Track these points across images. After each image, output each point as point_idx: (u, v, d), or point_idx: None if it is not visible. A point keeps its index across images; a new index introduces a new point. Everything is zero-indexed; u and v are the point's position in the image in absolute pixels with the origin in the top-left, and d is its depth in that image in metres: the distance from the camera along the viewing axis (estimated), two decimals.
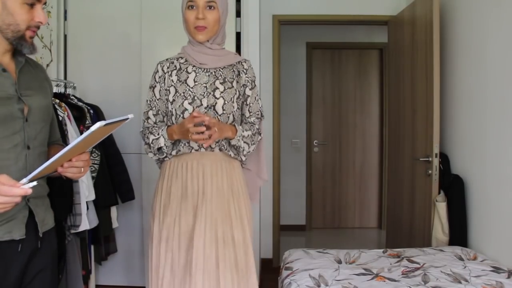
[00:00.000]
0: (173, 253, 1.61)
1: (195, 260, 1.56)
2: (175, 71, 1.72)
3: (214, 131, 1.51)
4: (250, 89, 1.75)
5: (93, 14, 3.12)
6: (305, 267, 2.03)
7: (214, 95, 1.65)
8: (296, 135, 4.96)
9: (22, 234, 1.23)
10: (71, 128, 2.34)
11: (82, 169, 1.24)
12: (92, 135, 1.12)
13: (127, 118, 1.14)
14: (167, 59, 1.78)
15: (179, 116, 1.65)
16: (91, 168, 2.51)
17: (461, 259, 2.16)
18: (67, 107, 2.41)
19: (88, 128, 2.57)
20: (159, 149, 1.68)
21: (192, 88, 1.67)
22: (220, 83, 1.68)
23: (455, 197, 2.58)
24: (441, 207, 2.60)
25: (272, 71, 3.68)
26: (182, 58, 1.75)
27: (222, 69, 1.71)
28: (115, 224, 2.82)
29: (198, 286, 1.55)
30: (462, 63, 2.67)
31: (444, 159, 2.74)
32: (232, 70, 1.73)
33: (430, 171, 2.70)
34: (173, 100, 1.67)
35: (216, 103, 1.64)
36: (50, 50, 2.96)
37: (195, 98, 1.65)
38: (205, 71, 1.70)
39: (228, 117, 1.67)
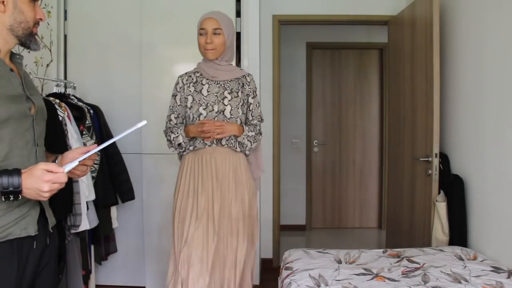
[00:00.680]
0: (191, 218, 2.05)
1: (211, 217, 2.04)
2: (192, 83, 2.13)
3: (214, 133, 1.98)
4: (252, 98, 2.18)
5: (93, 14, 3.12)
6: (305, 267, 2.03)
7: (223, 103, 2.07)
8: (296, 135, 4.96)
9: (36, 230, 1.28)
10: (71, 128, 2.34)
11: (88, 168, 1.33)
12: None
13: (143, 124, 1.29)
14: (186, 73, 2.19)
15: (196, 118, 2.07)
16: (91, 168, 2.50)
17: (461, 259, 2.16)
18: (67, 107, 2.41)
19: (88, 128, 2.58)
20: (179, 144, 2.12)
21: (206, 97, 2.08)
22: (228, 93, 2.10)
23: (455, 197, 2.58)
24: (441, 207, 2.60)
25: (272, 71, 3.69)
26: (198, 72, 2.16)
27: (229, 81, 2.13)
28: (115, 224, 2.83)
29: (210, 228, 2.03)
30: (462, 63, 2.67)
31: (444, 159, 2.74)
32: (237, 83, 2.14)
33: (430, 171, 2.70)
34: (191, 106, 2.09)
35: (224, 109, 2.07)
36: (50, 50, 2.96)
37: (208, 104, 2.07)
38: (216, 83, 2.11)
39: (236, 120, 2.09)
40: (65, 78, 3.09)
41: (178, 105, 2.17)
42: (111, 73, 3.14)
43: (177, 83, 2.17)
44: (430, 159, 2.71)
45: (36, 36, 1.33)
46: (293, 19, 3.75)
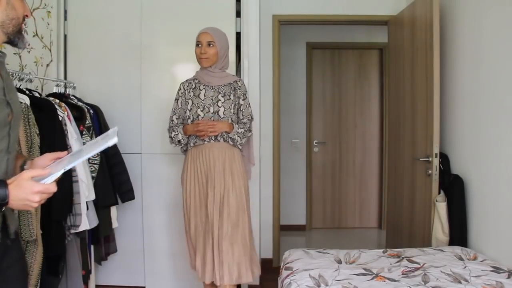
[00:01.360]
0: (196, 202, 2.46)
1: (210, 203, 2.40)
2: (191, 89, 2.49)
3: (207, 131, 2.36)
4: (242, 100, 2.51)
5: (93, 14, 3.12)
6: (305, 267, 2.03)
7: (217, 105, 2.43)
8: (296, 135, 4.96)
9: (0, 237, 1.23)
10: (71, 128, 2.34)
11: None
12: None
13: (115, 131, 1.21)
14: (186, 80, 2.55)
15: (194, 118, 2.43)
16: (91, 168, 2.51)
17: (461, 259, 2.16)
18: (67, 107, 2.41)
19: (88, 128, 2.57)
20: (179, 141, 2.50)
21: (203, 100, 2.44)
22: (222, 96, 2.44)
23: (455, 197, 2.58)
24: (441, 207, 2.60)
25: (272, 71, 3.68)
26: (196, 79, 2.51)
27: (223, 86, 2.47)
28: (115, 224, 2.82)
29: (215, 215, 2.39)
30: (462, 63, 2.66)
31: (444, 159, 2.74)
32: (230, 87, 2.48)
33: (430, 171, 2.70)
34: (190, 108, 2.45)
35: (219, 110, 2.42)
36: (50, 50, 2.96)
37: (205, 107, 2.43)
38: (211, 88, 2.45)
39: (228, 119, 2.44)
40: (65, 78, 3.08)
41: (180, 108, 2.52)
42: (111, 73, 3.14)
43: (179, 89, 2.54)
44: (430, 159, 2.71)
45: (23, 33, 1.26)
46: (293, 19, 3.75)
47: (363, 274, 1.93)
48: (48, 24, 2.93)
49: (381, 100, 5.00)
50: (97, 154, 2.54)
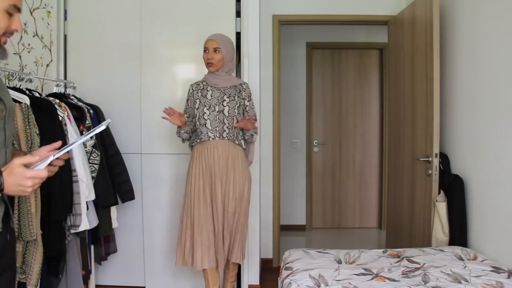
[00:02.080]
0: (199, 195, 2.61)
1: (214, 196, 2.61)
2: (199, 90, 2.69)
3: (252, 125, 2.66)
4: (247, 101, 2.72)
5: (93, 14, 3.12)
6: (305, 267, 2.03)
7: (222, 104, 2.62)
8: (296, 135, 4.96)
9: (1, 227, 1.30)
10: (71, 128, 2.34)
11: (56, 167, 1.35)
12: None
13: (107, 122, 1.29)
14: (195, 82, 2.73)
15: (201, 116, 2.62)
16: (91, 168, 2.51)
17: (461, 259, 2.16)
18: (67, 107, 2.41)
19: (88, 128, 2.57)
20: (183, 139, 2.74)
21: (209, 100, 2.63)
22: (227, 97, 2.64)
23: (455, 197, 2.58)
24: (441, 207, 2.60)
25: (272, 71, 3.68)
26: (204, 81, 2.70)
27: (228, 88, 2.66)
28: (115, 224, 2.82)
29: (219, 209, 2.60)
30: (462, 63, 2.67)
31: (444, 159, 2.74)
32: (235, 89, 2.68)
33: (430, 171, 2.71)
34: (198, 107, 2.65)
35: (223, 109, 2.62)
36: (50, 50, 2.96)
37: (211, 106, 2.62)
38: (217, 89, 2.65)
39: (232, 118, 2.62)
40: (65, 78, 3.08)
41: (190, 107, 2.72)
42: (111, 73, 3.14)
43: (189, 90, 2.73)
44: (430, 159, 2.71)
45: (4, 45, 1.29)
46: (293, 19, 3.75)
47: (363, 274, 1.93)
48: (48, 24, 2.93)
49: (381, 100, 5.00)
50: (97, 154, 2.55)
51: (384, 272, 1.96)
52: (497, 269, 1.98)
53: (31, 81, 2.38)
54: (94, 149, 2.52)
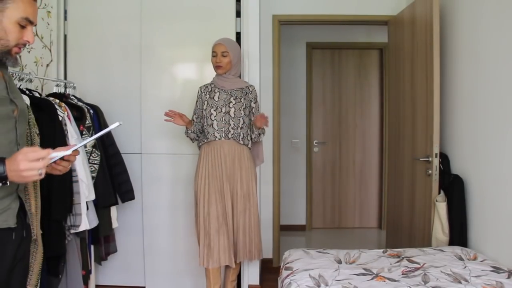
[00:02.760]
0: (205, 194, 2.69)
1: (222, 194, 2.70)
2: (208, 92, 2.80)
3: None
4: (254, 103, 2.83)
5: (93, 14, 3.12)
6: (305, 267, 2.03)
7: (229, 106, 2.73)
8: (296, 135, 4.96)
9: (15, 223, 1.36)
10: (71, 128, 2.34)
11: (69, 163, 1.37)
12: None
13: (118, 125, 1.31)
14: (204, 85, 2.84)
15: (208, 117, 2.73)
16: (91, 168, 2.50)
17: (461, 259, 2.16)
18: (67, 107, 2.41)
19: (88, 128, 2.57)
20: (192, 138, 2.85)
21: (217, 101, 2.74)
22: (233, 99, 2.75)
23: (455, 197, 2.58)
24: (441, 207, 2.60)
25: (272, 71, 3.68)
26: (212, 84, 2.81)
27: (235, 90, 2.77)
28: (115, 224, 2.82)
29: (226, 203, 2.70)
30: (462, 63, 2.67)
31: (444, 159, 2.74)
32: (241, 92, 2.79)
33: (430, 171, 2.70)
34: (205, 108, 2.76)
35: (230, 110, 2.72)
36: (50, 50, 2.96)
37: (218, 107, 2.73)
38: (224, 91, 2.75)
39: (238, 119, 2.73)
40: (65, 78, 3.08)
41: (198, 109, 2.82)
42: (111, 73, 3.14)
43: (198, 92, 2.84)
44: (430, 159, 2.71)
45: (16, 55, 1.35)
46: (293, 19, 3.75)
47: (363, 274, 1.93)
48: (48, 24, 2.93)
49: (381, 100, 5.00)
50: (97, 154, 2.55)
51: (384, 272, 1.96)
52: (497, 269, 1.98)
53: (31, 81, 2.38)
54: (94, 149, 2.52)
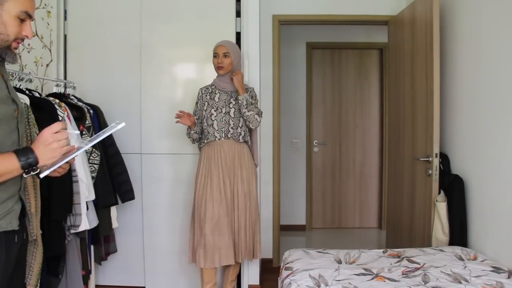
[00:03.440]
0: (205, 194, 2.70)
1: (224, 193, 2.70)
2: (208, 93, 2.82)
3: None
4: (253, 99, 2.81)
5: (93, 14, 3.12)
6: (305, 267, 2.03)
7: (229, 106, 2.76)
8: (296, 135, 4.96)
9: (18, 225, 1.37)
10: (70, 128, 2.34)
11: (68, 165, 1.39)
12: None
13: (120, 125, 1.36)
14: (205, 86, 2.87)
15: (208, 117, 2.75)
16: (91, 168, 2.50)
17: (461, 259, 2.16)
18: (67, 107, 2.41)
19: (88, 128, 2.57)
20: (194, 138, 2.86)
21: (217, 102, 2.77)
22: (233, 100, 2.78)
23: (455, 197, 2.58)
24: (441, 207, 2.60)
25: (272, 71, 3.68)
26: (213, 85, 2.84)
27: (235, 92, 2.77)
28: (115, 224, 2.82)
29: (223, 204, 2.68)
30: (462, 63, 2.66)
31: (444, 159, 2.74)
32: None
33: (430, 171, 2.70)
34: (206, 109, 2.78)
35: (230, 111, 2.75)
36: (50, 50, 2.96)
37: (218, 107, 2.76)
38: (225, 92, 2.79)
39: (238, 119, 2.75)
40: (65, 78, 3.08)
41: (199, 110, 2.84)
42: (111, 73, 3.13)
43: (199, 94, 2.87)
44: (430, 159, 2.71)
45: (15, 50, 1.34)
46: (293, 19, 3.75)
47: (363, 274, 1.93)
48: (48, 24, 2.93)
49: (381, 100, 5.00)
50: (97, 154, 2.55)
51: (384, 272, 1.96)
52: (497, 269, 1.98)
53: (31, 81, 2.38)
54: (94, 149, 2.52)
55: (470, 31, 2.57)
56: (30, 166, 1.23)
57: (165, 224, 3.15)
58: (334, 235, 4.93)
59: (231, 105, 2.76)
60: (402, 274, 1.93)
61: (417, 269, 2.00)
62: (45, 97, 2.41)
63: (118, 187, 2.81)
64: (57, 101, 2.38)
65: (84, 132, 2.52)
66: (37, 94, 2.39)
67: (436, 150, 2.68)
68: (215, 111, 2.75)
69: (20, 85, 2.30)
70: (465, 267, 2.01)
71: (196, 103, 2.87)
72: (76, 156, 1.30)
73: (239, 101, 2.70)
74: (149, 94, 3.12)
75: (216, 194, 2.67)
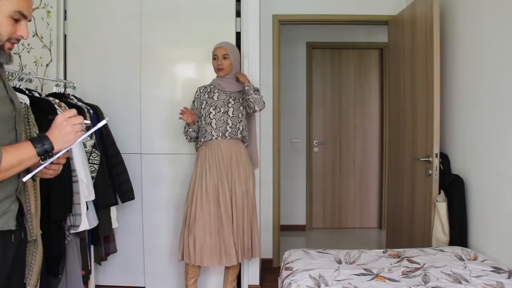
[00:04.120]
0: (202, 194, 2.70)
1: (221, 193, 2.70)
2: (206, 92, 2.84)
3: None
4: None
5: (93, 14, 3.12)
6: (305, 267, 2.03)
7: (228, 106, 2.77)
8: (296, 135, 4.96)
9: (15, 225, 1.37)
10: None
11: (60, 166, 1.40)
12: None
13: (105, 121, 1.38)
14: (203, 86, 2.88)
15: (207, 115, 2.76)
16: (91, 168, 2.50)
17: (461, 259, 2.16)
18: (66, 107, 2.41)
19: (88, 128, 2.57)
20: (191, 137, 2.86)
21: (216, 101, 2.79)
22: (232, 99, 2.80)
23: (455, 197, 2.58)
24: (441, 207, 2.60)
25: (272, 71, 3.68)
26: (212, 85, 2.86)
27: (234, 92, 2.81)
28: (115, 224, 2.82)
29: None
30: (462, 63, 2.66)
31: (444, 159, 2.74)
32: (240, 93, 2.83)
33: (430, 171, 2.70)
34: (204, 107, 2.79)
35: (228, 110, 2.77)
36: (50, 50, 2.95)
37: (217, 106, 2.77)
38: (224, 92, 2.80)
39: (237, 117, 2.77)
40: (65, 78, 3.08)
41: (196, 109, 2.84)
42: (111, 73, 3.13)
43: (196, 92, 2.87)
44: (430, 159, 2.71)
45: (9, 51, 1.31)
46: (293, 19, 3.74)
47: (363, 274, 1.93)
48: (48, 24, 2.93)
49: (381, 100, 5.00)
50: (97, 154, 2.54)
51: (384, 272, 1.96)
52: (497, 269, 1.98)
53: (30, 81, 2.38)
54: (94, 149, 2.52)
55: (470, 31, 2.57)
56: (46, 152, 1.24)
57: (165, 224, 3.15)
58: (334, 235, 4.93)
59: (230, 105, 2.77)
60: (402, 274, 1.93)
61: (417, 269, 1.99)
62: (45, 97, 2.40)
63: (118, 187, 2.81)
64: (57, 101, 2.38)
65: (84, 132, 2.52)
66: (37, 94, 2.38)
67: (436, 150, 2.68)
68: (213, 109, 2.75)
69: (20, 85, 2.30)
70: (465, 267, 2.01)
71: (193, 101, 2.87)
72: (59, 156, 1.30)
73: (245, 88, 2.70)
74: (149, 94, 3.12)
75: (213, 194, 2.67)
